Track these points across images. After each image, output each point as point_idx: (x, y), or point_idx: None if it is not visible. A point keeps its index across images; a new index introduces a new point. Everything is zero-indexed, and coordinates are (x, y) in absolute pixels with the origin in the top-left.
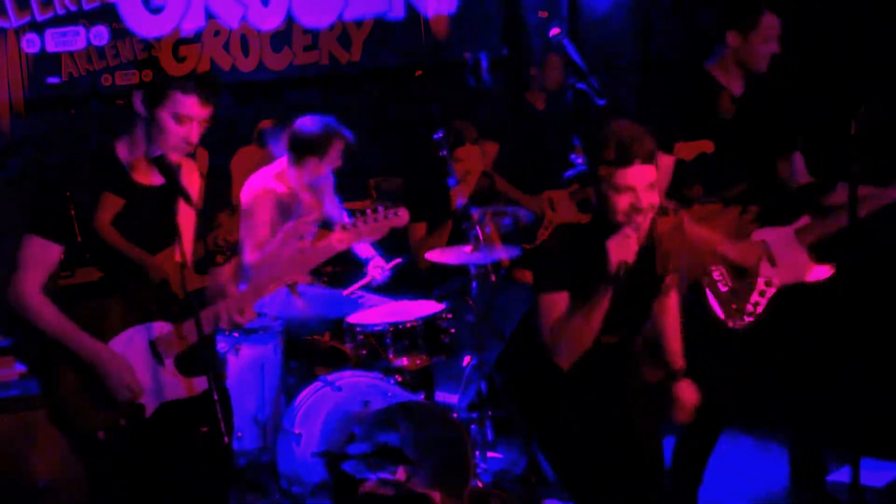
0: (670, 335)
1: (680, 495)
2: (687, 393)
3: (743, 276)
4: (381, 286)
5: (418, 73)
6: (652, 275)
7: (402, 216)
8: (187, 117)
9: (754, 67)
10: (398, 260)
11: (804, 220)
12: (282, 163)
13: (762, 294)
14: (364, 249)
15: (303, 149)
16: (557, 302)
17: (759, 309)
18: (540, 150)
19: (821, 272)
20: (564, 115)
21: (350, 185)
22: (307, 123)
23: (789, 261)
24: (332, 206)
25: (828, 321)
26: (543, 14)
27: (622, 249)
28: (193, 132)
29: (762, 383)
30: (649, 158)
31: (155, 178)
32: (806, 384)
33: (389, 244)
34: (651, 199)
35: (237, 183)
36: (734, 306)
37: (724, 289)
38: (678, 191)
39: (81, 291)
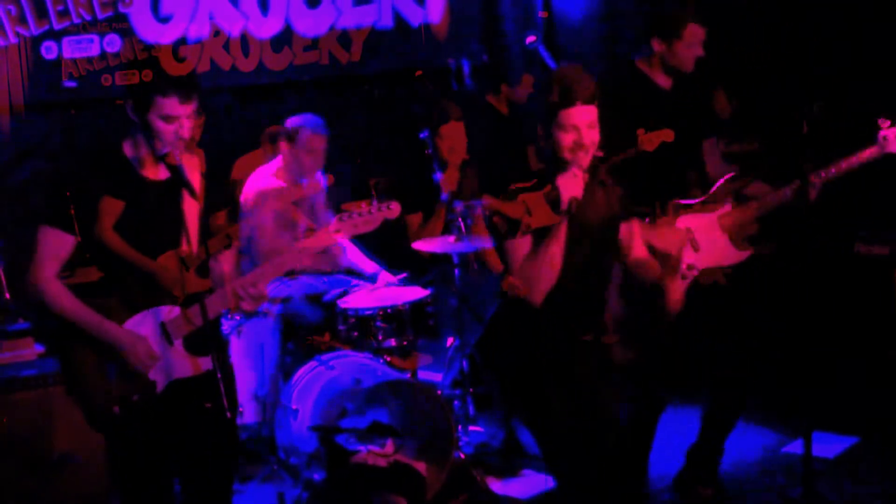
0: (643, 259)
1: (633, 459)
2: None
3: (666, 261)
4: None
5: (418, 73)
6: (601, 213)
7: (395, 209)
8: (172, 117)
9: (681, 68)
10: (404, 274)
11: (726, 208)
12: (278, 161)
13: (683, 278)
14: (369, 265)
15: (276, 136)
16: (521, 245)
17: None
18: (507, 152)
19: (739, 256)
20: (532, 118)
21: (350, 186)
22: (290, 120)
23: (711, 246)
24: (326, 219)
25: (744, 302)
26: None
27: (571, 186)
28: (183, 128)
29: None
30: (590, 100)
31: (161, 174)
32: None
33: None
34: (592, 137)
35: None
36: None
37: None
38: (676, 197)
39: (81, 291)
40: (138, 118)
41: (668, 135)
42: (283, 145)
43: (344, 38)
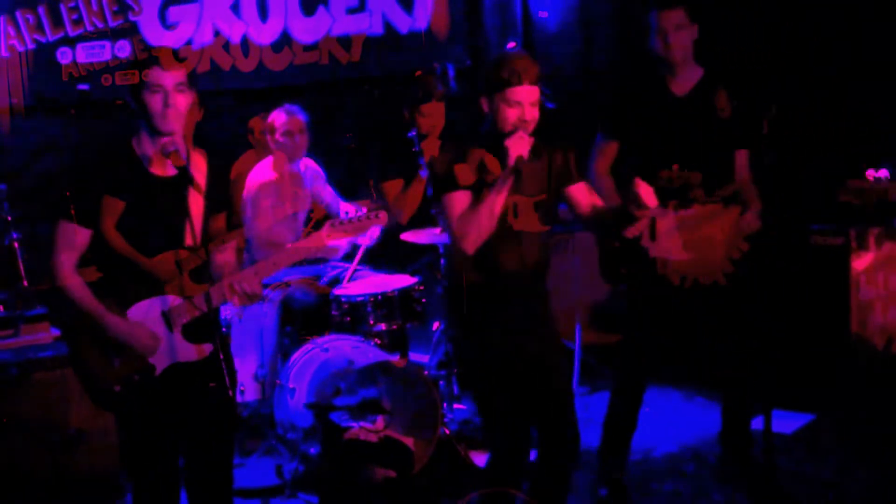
0: (599, 205)
1: (615, 440)
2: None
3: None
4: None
5: (418, 73)
6: (543, 181)
7: (383, 218)
8: (158, 86)
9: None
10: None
11: (692, 211)
12: (269, 160)
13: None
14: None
15: (255, 129)
16: (460, 198)
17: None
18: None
19: (682, 256)
20: None
21: (351, 186)
22: (271, 114)
23: (665, 240)
24: (330, 198)
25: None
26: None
27: (518, 145)
28: (172, 99)
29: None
30: (535, 81)
31: (169, 170)
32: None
33: None
34: (533, 113)
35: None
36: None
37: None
38: (680, 193)
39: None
40: (136, 103)
41: (696, 177)
42: (268, 138)
43: (344, 38)
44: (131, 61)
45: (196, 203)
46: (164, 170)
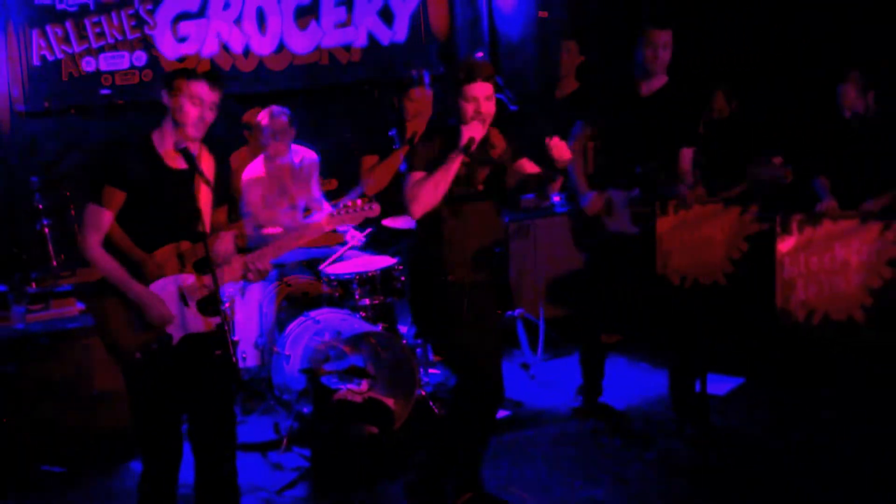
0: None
1: (588, 400)
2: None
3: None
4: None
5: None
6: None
7: (375, 209)
8: (199, 99)
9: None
10: (369, 230)
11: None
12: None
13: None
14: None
15: (247, 126)
16: (417, 176)
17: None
18: None
19: (634, 230)
20: None
21: (347, 181)
22: (259, 114)
23: (620, 216)
24: (317, 194)
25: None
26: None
27: (472, 130)
28: (206, 114)
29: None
30: (488, 78)
31: (181, 164)
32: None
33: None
34: (489, 108)
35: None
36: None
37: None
38: (681, 193)
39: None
40: (170, 101)
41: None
42: (259, 136)
43: (333, 49)
44: (179, 71)
45: (205, 194)
46: (176, 163)
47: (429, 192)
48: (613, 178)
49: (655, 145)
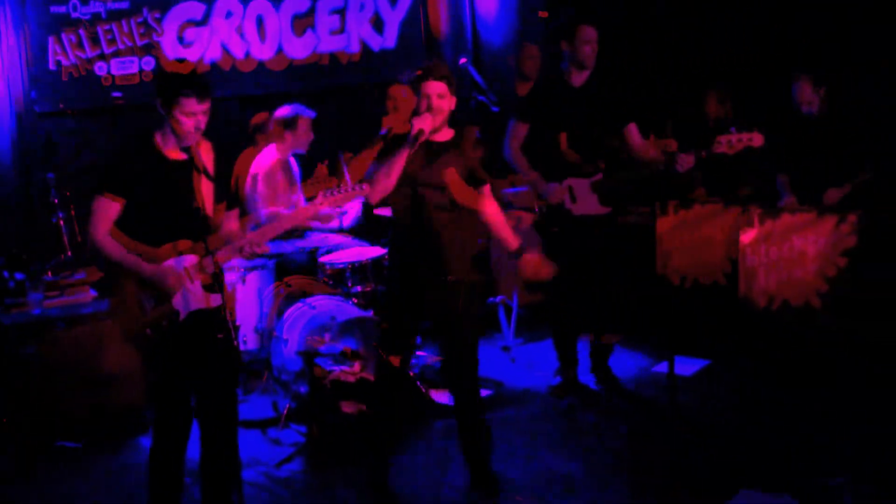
0: (499, 228)
1: (564, 379)
2: (529, 263)
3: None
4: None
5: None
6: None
7: (366, 189)
8: (192, 112)
9: (585, 64)
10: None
11: (598, 176)
12: (272, 148)
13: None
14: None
15: (261, 126)
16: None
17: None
18: None
19: (602, 210)
20: (468, 118)
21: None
22: (282, 110)
23: (584, 200)
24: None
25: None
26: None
27: (421, 123)
28: (200, 122)
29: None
30: (440, 78)
31: (181, 156)
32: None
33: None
34: (441, 104)
35: (241, 177)
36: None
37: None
38: (681, 193)
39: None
40: (165, 113)
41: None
42: (285, 133)
43: (327, 55)
44: (167, 80)
45: (206, 186)
46: (177, 158)
47: (381, 179)
48: (570, 167)
49: (597, 129)
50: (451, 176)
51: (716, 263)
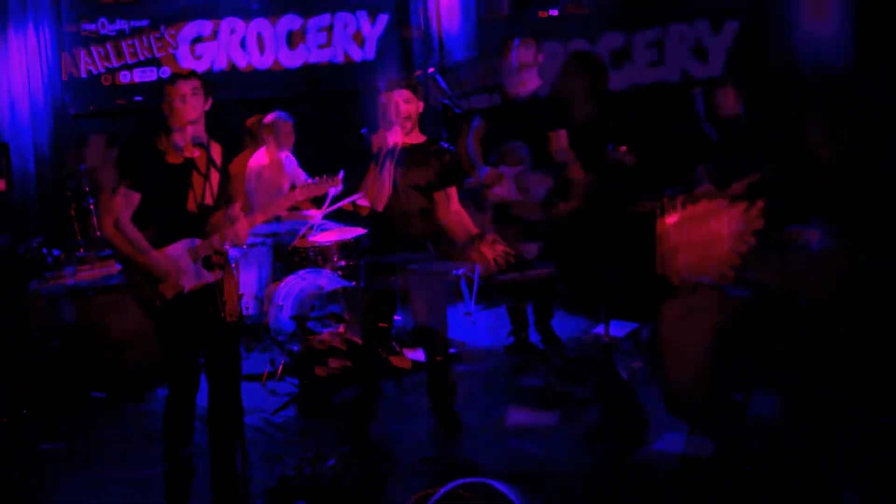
0: (458, 226)
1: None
2: (486, 251)
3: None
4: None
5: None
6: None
7: (338, 180)
8: (182, 95)
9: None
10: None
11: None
12: (263, 149)
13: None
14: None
15: (255, 129)
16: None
17: None
18: None
19: (518, 196)
20: (434, 119)
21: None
22: (268, 117)
23: (506, 186)
24: (304, 179)
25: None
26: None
27: (391, 136)
28: (190, 106)
29: None
30: (404, 87)
31: (195, 152)
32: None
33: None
34: (408, 109)
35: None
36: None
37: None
38: (687, 190)
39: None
40: (166, 108)
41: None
42: (269, 137)
43: (315, 66)
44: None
45: (214, 177)
46: (191, 152)
47: (381, 188)
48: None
49: (527, 130)
50: (422, 177)
51: (721, 259)
